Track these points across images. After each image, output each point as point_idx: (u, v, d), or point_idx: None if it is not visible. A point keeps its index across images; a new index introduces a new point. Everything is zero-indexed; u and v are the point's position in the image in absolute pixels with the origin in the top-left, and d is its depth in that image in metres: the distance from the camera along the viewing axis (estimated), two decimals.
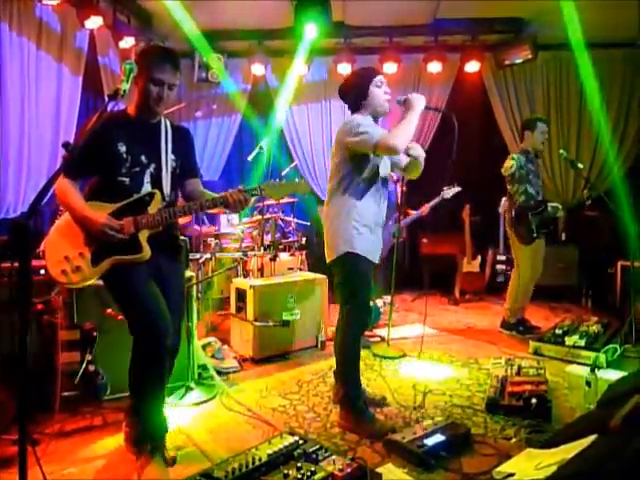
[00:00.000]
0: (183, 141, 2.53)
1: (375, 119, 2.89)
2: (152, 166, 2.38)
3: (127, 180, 2.32)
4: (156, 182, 2.39)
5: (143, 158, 2.36)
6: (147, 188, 2.37)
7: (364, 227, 2.78)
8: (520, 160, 4.44)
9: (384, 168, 2.90)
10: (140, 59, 2.32)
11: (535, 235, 4.42)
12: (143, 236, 2.32)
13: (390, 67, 5.93)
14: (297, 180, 2.57)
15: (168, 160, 2.42)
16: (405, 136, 2.62)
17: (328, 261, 2.88)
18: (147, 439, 2.36)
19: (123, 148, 2.30)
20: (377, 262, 2.91)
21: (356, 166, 2.78)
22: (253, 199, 2.42)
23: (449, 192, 4.97)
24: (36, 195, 1.61)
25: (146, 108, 2.35)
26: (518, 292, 4.59)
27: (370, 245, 2.81)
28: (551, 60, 6.28)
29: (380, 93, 2.82)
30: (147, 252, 2.32)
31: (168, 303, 2.40)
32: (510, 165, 4.45)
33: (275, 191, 2.46)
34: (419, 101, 2.71)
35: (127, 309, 2.37)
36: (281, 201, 5.26)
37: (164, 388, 2.46)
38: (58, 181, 2.28)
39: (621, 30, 5.49)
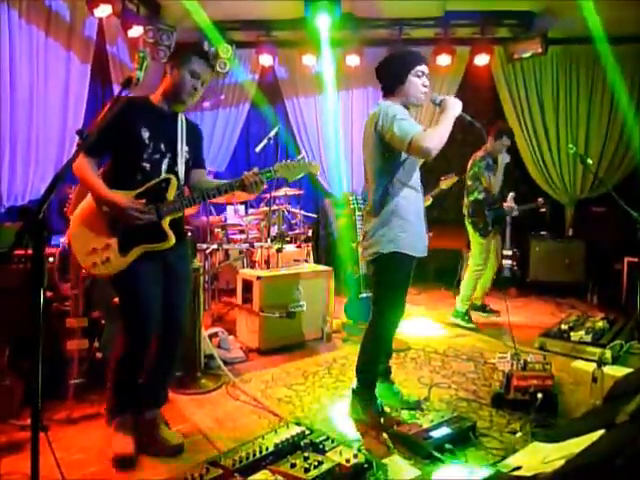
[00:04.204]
0: (195, 135, 2.58)
1: (406, 109, 2.71)
2: (169, 155, 2.41)
3: (148, 166, 2.35)
4: (172, 171, 2.42)
5: (162, 147, 2.39)
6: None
7: (408, 223, 2.67)
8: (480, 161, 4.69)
9: None
10: (181, 50, 2.52)
11: (490, 228, 4.69)
12: (165, 223, 2.36)
13: None
14: (308, 161, 2.61)
15: (183, 151, 2.46)
16: (440, 140, 2.46)
17: (368, 258, 2.79)
18: (116, 411, 2.48)
19: (147, 134, 2.33)
20: (424, 254, 2.79)
21: (393, 158, 2.63)
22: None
23: (446, 182, 4.97)
24: (50, 183, 1.60)
25: (175, 98, 2.40)
26: (470, 280, 4.78)
27: (415, 239, 2.71)
28: (561, 54, 6.24)
29: (418, 84, 2.68)
30: (172, 238, 2.36)
31: (172, 291, 2.46)
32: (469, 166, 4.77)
33: (288, 172, 2.51)
34: (455, 106, 2.57)
35: (123, 301, 2.43)
36: (288, 193, 5.26)
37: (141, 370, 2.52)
38: (77, 160, 2.29)
39: (633, 25, 5.44)
